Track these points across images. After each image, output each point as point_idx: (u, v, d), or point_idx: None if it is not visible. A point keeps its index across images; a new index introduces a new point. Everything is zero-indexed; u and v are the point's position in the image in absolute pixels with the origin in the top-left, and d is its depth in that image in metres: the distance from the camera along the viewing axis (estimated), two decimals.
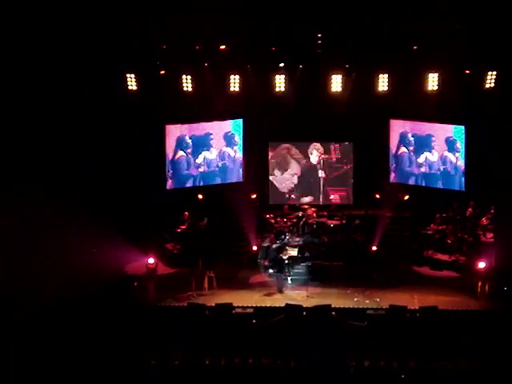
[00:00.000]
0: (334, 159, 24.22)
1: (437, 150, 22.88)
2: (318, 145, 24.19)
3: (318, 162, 24.22)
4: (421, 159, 23.24)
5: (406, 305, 17.85)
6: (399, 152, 23.58)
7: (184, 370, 15.43)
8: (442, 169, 22.85)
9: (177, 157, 23.24)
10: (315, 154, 24.22)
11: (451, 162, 22.60)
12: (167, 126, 22.96)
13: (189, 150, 23.34)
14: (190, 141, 23.31)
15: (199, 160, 23.53)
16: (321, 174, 24.25)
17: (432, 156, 22.99)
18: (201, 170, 23.60)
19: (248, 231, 22.28)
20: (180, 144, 23.21)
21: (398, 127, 23.50)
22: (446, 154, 22.68)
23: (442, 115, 22.11)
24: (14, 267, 17.29)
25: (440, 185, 22.96)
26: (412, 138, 23.29)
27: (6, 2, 18.01)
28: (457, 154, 22.46)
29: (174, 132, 23.11)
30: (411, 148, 23.36)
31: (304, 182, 24.42)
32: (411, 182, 23.51)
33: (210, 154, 23.65)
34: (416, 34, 20.32)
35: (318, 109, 23.18)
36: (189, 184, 23.52)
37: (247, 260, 21.99)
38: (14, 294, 16.84)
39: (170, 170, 23.18)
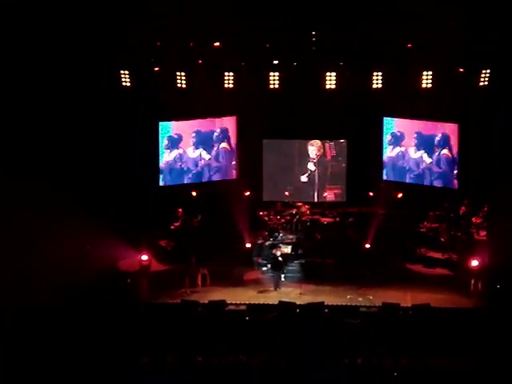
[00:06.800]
0: (330, 157, 24.16)
1: (430, 147, 22.88)
2: (315, 142, 24.10)
3: (315, 160, 24.14)
4: (415, 157, 23.22)
5: (399, 302, 17.87)
6: (393, 149, 23.56)
7: (176, 367, 15.44)
8: (435, 166, 22.85)
9: (173, 153, 23.20)
10: (312, 151, 24.13)
11: (445, 160, 22.60)
12: (168, 122, 22.89)
13: (184, 146, 23.31)
14: (189, 136, 23.30)
15: (194, 156, 23.52)
16: (316, 171, 24.17)
17: (426, 154, 22.98)
18: (197, 166, 23.59)
19: (242, 228, 22.27)
20: (176, 140, 23.16)
21: (392, 125, 23.46)
22: (440, 151, 22.67)
23: (436, 113, 22.10)
24: (6, 265, 17.22)
25: (434, 183, 22.96)
26: (408, 136, 23.27)
27: None
28: (451, 152, 22.46)
29: (173, 127, 23.04)
30: (406, 145, 23.34)
31: (299, 179, 24.35)
32: (405, 179, 23.49)
33: (206, 152, 23.65)
34: (410, 32, 20.33)
35: (313, 106, 23.16)
36: (183, 180, 23.47)
37: (241, 257, 21.98)
38: (5, 292, 16.77)
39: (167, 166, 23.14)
